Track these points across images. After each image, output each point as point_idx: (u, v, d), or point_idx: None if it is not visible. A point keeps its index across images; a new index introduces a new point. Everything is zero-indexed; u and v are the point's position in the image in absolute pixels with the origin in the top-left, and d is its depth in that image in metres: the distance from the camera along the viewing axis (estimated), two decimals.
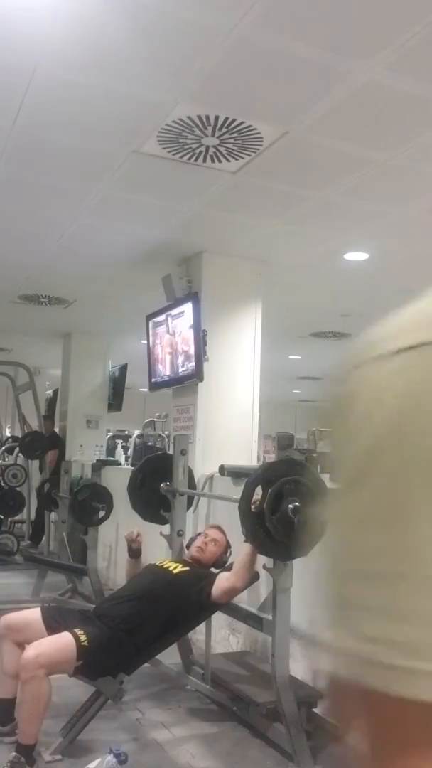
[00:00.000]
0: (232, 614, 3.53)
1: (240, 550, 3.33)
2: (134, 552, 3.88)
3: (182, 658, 3.94)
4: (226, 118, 3.26)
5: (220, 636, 4.43)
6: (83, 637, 3.03)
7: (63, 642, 3.02)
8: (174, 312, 5.41)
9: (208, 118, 3.26)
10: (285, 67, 2.83)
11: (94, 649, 3.03)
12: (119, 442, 10.56)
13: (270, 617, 3.08)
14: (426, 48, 2.64)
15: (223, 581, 3.27)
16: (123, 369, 8.80)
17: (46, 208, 4.51)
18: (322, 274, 5.84)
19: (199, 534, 3.80)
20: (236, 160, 3.69)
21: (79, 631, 3.06)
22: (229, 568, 3.43)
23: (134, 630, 3.18)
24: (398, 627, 0.33)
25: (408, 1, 2.41)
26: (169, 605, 3.27)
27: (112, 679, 3.11)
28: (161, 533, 4.21)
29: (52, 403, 9.85)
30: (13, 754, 2.89)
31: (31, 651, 2.93)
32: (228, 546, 3.65)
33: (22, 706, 2.97)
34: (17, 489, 8.18)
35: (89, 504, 5.57)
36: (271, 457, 6.15)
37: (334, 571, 0.38)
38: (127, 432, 11.73)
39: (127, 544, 3.92)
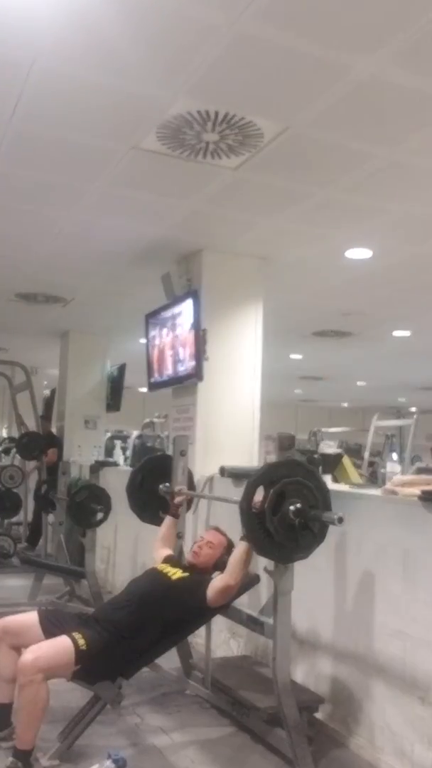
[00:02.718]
0: (233, 618, 3.48)
1: (235, 548, 3.27)
2: (174, 511, 3.94)
3: (182, 662, 3.91)
4: (227, 114, 3.23)
5: (220, 640, 4.39)
6: (81, 641, 2.98)
7: (61, 646, 2.97)
8: (173, 311, 5.38)
9: (208, 113, 3.22)
10: (286, 62, 2.79)
11: (92, 653, 2.99)
12: (118, 442, 10.53)
13: (271, 621, 3.04)
14: (429, 43, 2.61)
15: (216, 582, 3.22)
16: (121, 369, 8.77)
17: (44, 204, 4.47)
18: (324, 272, 5.80)
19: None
20: (236, 156, 3.65)
21: (77, 635, 3.01)
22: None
23: (133, 636, 3.13)
24: None
25: None
26: (168, 611, 3.22)
27: (110, 683, 3.06)
28: None
29: (49, 403, 9.81)
30: (11, 759, 2.86)
31: (29, 655, 2.89)
32: (230, 546, 3.57)
33: (19, 711, 2.92)
34: (14, 490, 8.14)
35: (87, 506, 5.52)
36: (272, 458, 6.12)
37: None
38: (125, 432, 11.70)
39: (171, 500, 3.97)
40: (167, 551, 3.79)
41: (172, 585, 3.34)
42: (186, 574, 3.43)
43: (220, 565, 3.42)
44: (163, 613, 3.21)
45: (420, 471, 6.60)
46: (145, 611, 3.21)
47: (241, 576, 3.20)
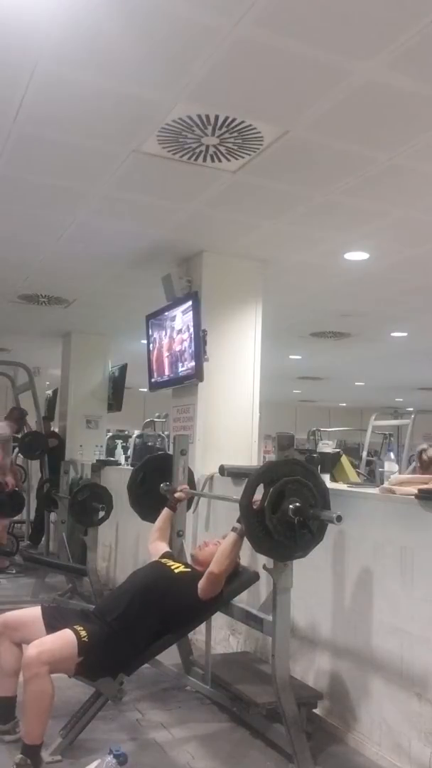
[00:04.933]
0: (232, 615, 3.52)
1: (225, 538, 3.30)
2: (173, 504, 3.99)
3: (182, 658, 3.94)
4: (226, 118, 3.26)
5: (220, 636, 4.43)
6: (83, 633, 3.02)
7: (64, 639, 3.00)
8: (174, 312, 5.41)
9: (208, 117, 3.25)
10: (285, 66, 2.82)
11: (93, 644, 3.01)
12: (119, 442, 10.56)
13: (270, 618, 3.07)
14: (427, 47, 2.63)
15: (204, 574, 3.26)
16: (123, 369, 8.80)
17: (46, 207, 4.50)
18: (323, 274, 5.83)
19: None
20: (236, 159, 3.68)
21: (78, 627, 3.05)
22: None
23: (131, 627, 3.16)
24: None
25: (409, 0, 2.41)
26: (167, 604, 3.25)
27: (111, 679, 3.10)
28: None
29: (51, 403, 9.85)
30: (19, 756, 2.84)
31: (33, 650, 2.90)
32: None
33: (26, 707, 2.91)
34: (17, 489, 8.17)
35: (89, 504, 5.57)
36: (272, 458, 6.19)
37: None
38: (126, 432, 11.74)
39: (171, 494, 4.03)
40: (164, 546, 3.82)
41: (174, 578, 3.38)
42: (187, 569, 3.47)
43: None
44: (162, 604, 3.24)
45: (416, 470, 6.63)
46: (146, 601, 3.24)
47: (227, 565, 3.21)
